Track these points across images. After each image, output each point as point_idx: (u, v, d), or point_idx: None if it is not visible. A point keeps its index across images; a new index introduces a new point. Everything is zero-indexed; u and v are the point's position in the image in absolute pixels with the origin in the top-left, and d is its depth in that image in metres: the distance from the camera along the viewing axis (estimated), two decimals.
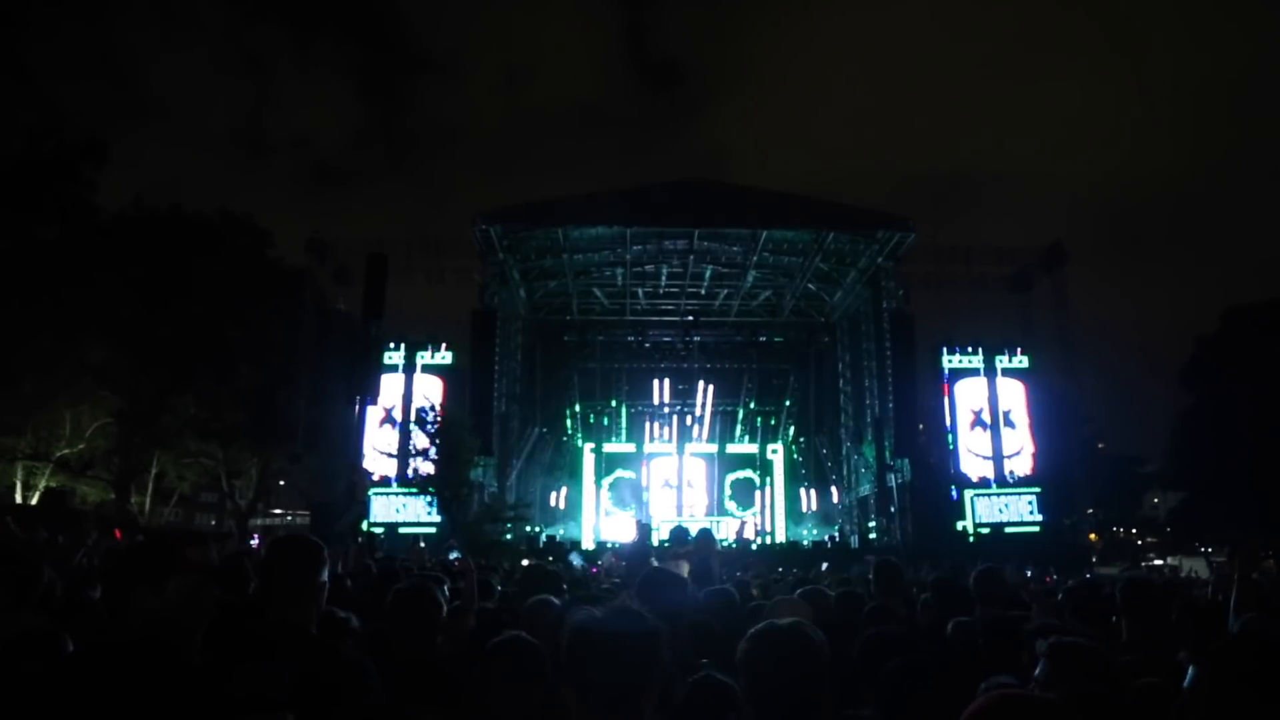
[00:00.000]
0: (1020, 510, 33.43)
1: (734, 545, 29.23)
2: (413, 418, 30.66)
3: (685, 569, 7.76)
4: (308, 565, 2.84)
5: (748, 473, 39.52)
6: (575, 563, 11.63)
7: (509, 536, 28.94)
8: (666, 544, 9.73)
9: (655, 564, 6.35)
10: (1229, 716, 1.67)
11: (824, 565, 16.55)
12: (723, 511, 37.78)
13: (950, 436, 34.37)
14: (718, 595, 5.04)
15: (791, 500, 39.07)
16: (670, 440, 39.83)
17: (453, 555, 15.67)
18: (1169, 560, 43.59)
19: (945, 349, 35.13)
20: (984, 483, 33.84)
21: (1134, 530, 62.41)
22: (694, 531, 10.36)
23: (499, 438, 33.26)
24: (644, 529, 10.75)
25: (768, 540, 35.73)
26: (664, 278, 37.52)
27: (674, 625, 2.60)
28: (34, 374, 26.54)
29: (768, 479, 39.10)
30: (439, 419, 29.42)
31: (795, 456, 40.94)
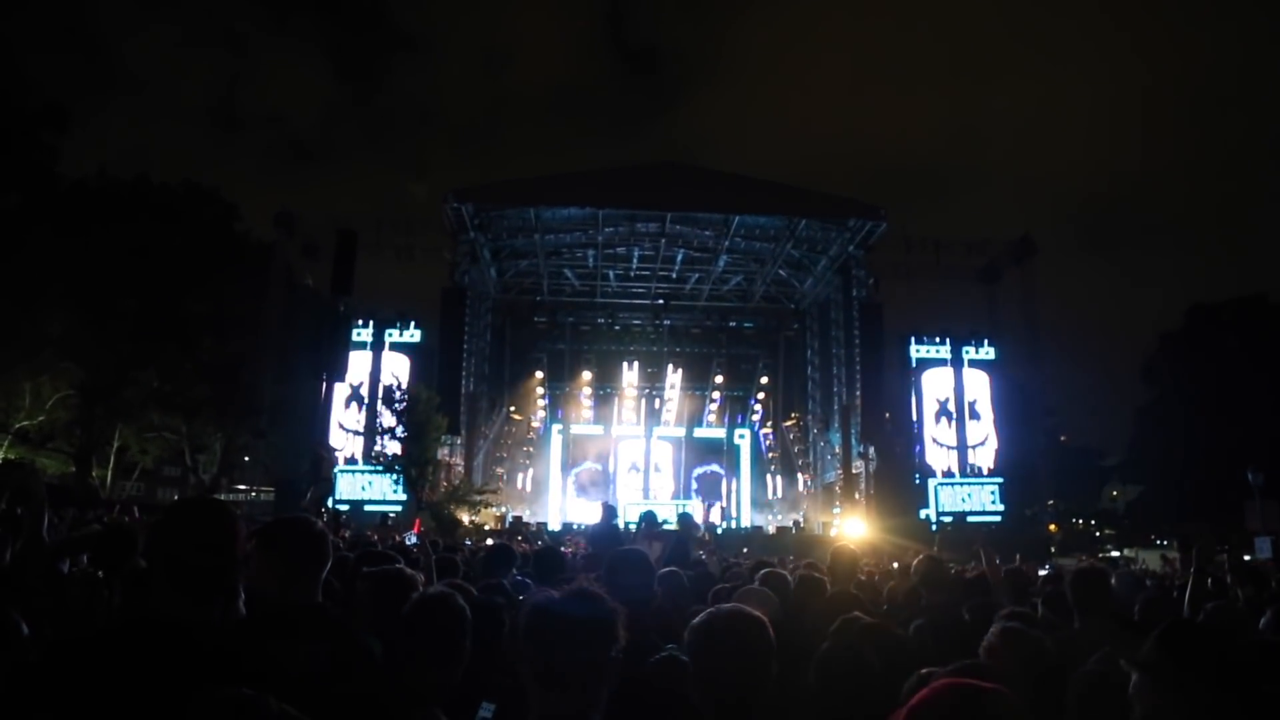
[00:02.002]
0: (982, 500, 33.84)
1: (703, 529, 29.28)
2: (380, 395, 30.45)
3: (655, 551, 7.79)
4: (314, 545, 2.80)
5: (715, 467, 39.51)
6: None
7: (475, 516, 28.88)
8: (636, 526, 9.77)
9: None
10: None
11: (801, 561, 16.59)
12: (689, 496, 37.86)
13: (916, 426, 34.69)
14: (667, 579, 5.04)
15: (757, 486, 39.26)
16: (638, 423, 39.85)
17: (411, 540, 15.58)
18: (1125, 552, 44.35)
19: (913, 339, 35.40)
20: (948, 473, 34.22)
21: (1093, 522, 63.43)
22: (661, 515, 10.43)
23: (466, 417, 33.13)
24: (609, 511, 10.78)
25: (732, 525, 35.89)
26: (635, 260, 37.48)
27: (638, 608, 2.60)
28: None
29: (734, 464, 39.23)
30: (406, 397, 29.25)
31: (763, 442, 41.12)
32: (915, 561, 5.41)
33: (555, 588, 2.11)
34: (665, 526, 10.02)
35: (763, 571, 5.67)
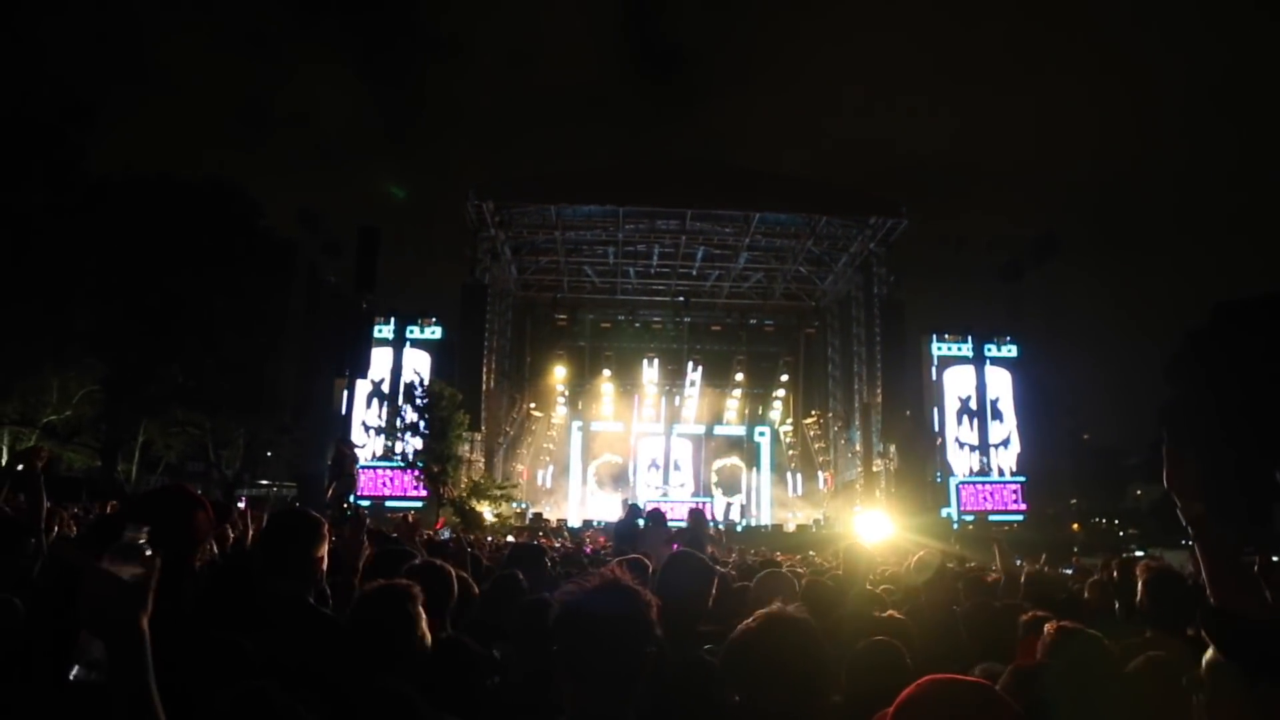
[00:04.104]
0: (1004, 499, 33.64)
1: (719, 526, 29.23)
2: (402, 392, 30.61)
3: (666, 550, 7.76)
4: (306, 538, 2.85)
5: (734, 460, 39.52)
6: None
7: (496, 512, 28.94)
8: (645, 523, 9.73)
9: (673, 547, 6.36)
10: (1246, 698, 1.69)
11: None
12: (708, 493, 37.83)
13: (938, 424, 34.52)
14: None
15: (778, 483, 39.18)
16: (658, 420, 39.83)
17: (445, 534, 15.70)
18: (1149, 552, 43.99)
19: (935, 336, 35.22)
20: (974, 472, 34.05)
21: (1116, 521, 62.81)
22: (670, 512, 10.38)
23: (487, 413, 33.21)
24: (633, 509, 10.76)
25: (752, 523, 35.83)
26: (655, 257, 37.41)
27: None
28: (21, 339, 26.34)
29: (754, 462, 39.17)
30: (427, 393, 29.38)
31: (783, 440, 41.01)
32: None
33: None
34: (672, 524, 9.99)
35: (765, 572, 5.65)
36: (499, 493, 29.77)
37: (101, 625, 1.39)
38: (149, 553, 1.44)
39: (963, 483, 33.87)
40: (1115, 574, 5.57)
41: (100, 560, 1.41)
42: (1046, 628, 3.04)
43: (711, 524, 12.06)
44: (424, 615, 2.73)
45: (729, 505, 35.38)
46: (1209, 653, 1.75)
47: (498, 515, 28.31)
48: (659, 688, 2.03)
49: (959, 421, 34.65)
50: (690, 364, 39.48)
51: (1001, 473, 34.20)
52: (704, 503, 33.45)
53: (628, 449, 38.91)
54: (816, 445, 39.83)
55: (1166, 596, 3.62)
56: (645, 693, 1.92)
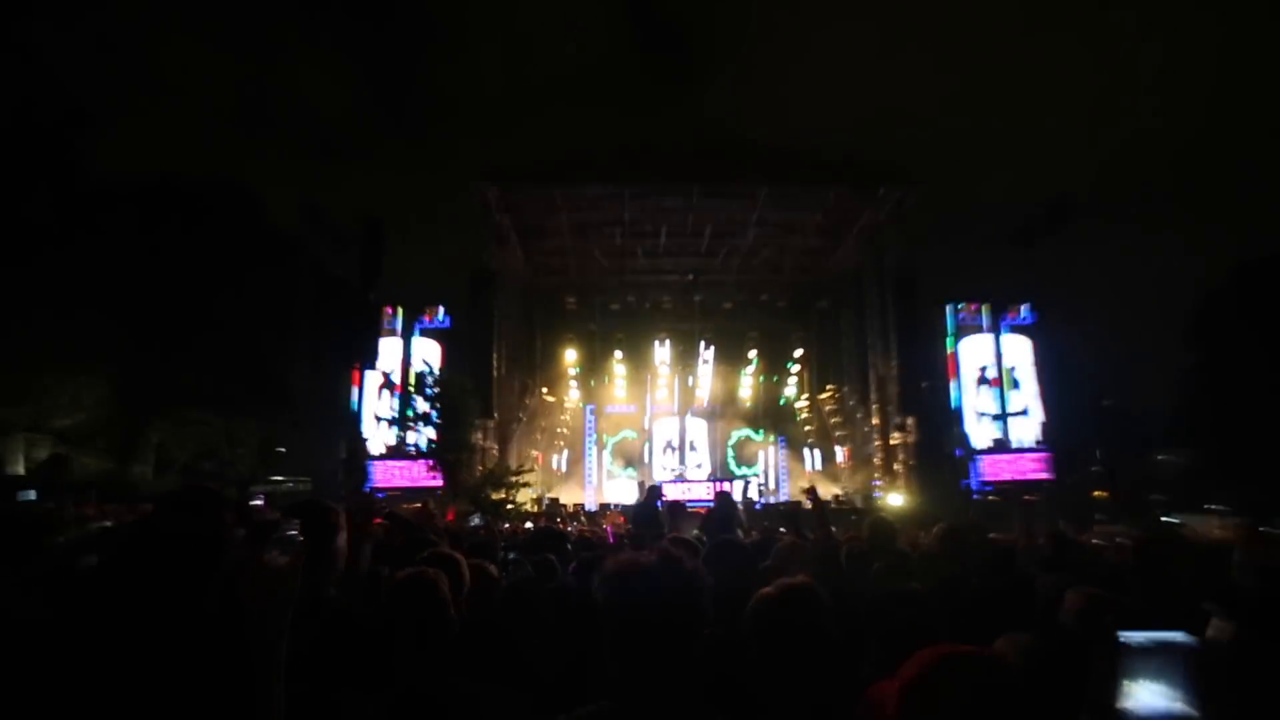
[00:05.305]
0: (1025, 468, 33.33)
1: (739, 504, 29.07)
2: (412, 382, 30.58)
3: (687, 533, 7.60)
4: (320, 530, 2.84)
5: (750, 433, 39.45)
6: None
7: (512, 499, 28.87)
8: (664, 507, 9.61)
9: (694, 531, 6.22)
10: (1253, 665, 1.71)
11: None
12: (725, 472, 37.73)
13: (955, 394, 34.18)
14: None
15: (795, 460, 39.01)
16: (672, 401, 39.68)
17: (474, 521, 15.69)
18: (1175, 518, 43.64)
19: (950, 305, 34.84)
20: (997, 441, 33.74)
21: (1141, 488, 62.41)
22: (687, 493, 10.24)
23: (499, 400, 33.13)
24: (653, 491, 10.62)
25: (771, 500, 35.68)
26: (663, 236, 37.13)
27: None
28: (29, 345, 26.40)
29: (772, 438, 39.01)
30: (438, 382, 29.31)
31: (799, 416, 40.83)
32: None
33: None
34: (692, 507, 9.86)
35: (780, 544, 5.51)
36: (514, 479, 29.69)
37: (259, 607, 1.76)
38: (300, 540, 1.87)
39: (982, 453, 33.56)
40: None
41: (260, 553, 1.81)
42: (1069, 595, 2.98)
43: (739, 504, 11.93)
44: (450, 600, 2.96)
45: (747, 483, 35.19)
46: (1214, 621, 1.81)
47: (513, 503, 28.20)
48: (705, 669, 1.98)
49: (977, 391, 34.30)
50: (702, 343, 39.25)
51: (1021, 442, 33.86)
52: (723, 481, 33.50)
53: (642, 430, 38.83)
54: (833, 420, 39.61)
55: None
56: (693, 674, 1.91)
